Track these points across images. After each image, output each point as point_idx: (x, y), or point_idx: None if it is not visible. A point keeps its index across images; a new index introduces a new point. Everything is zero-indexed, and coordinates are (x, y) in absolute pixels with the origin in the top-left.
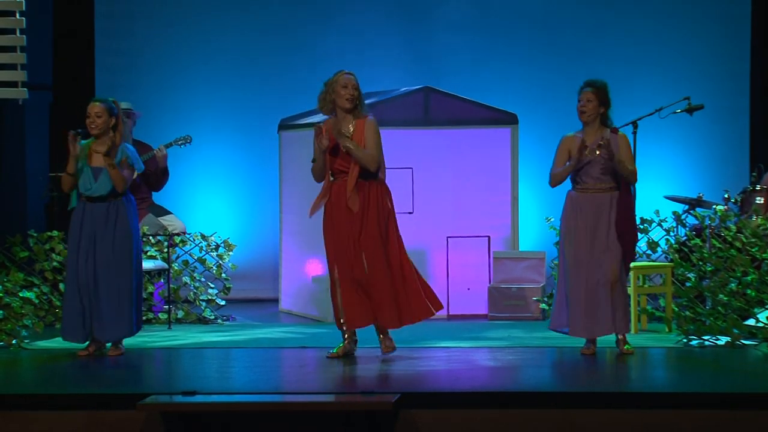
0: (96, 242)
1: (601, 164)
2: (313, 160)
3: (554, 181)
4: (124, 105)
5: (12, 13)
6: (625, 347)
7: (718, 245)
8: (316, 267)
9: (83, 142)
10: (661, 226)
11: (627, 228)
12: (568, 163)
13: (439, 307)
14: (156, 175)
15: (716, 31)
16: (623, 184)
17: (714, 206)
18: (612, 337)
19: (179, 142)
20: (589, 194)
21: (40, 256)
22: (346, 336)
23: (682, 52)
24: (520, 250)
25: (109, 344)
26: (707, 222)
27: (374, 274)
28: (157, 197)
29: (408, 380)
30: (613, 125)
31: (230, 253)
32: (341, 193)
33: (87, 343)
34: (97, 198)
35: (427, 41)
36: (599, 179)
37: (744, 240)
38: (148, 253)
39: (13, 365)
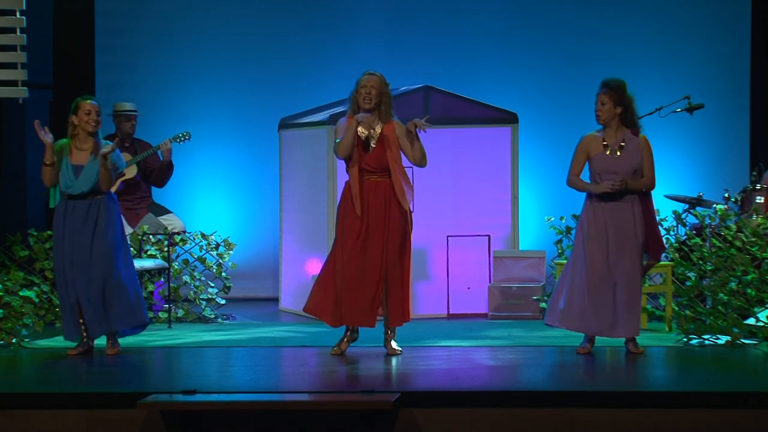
0: (76, 239)
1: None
2: (336, 141)
3: (571, 186)
4: (129, 106)
5: (12, 12)
6: (635, 347)
7: (718, 244)
8: (317, 266)
9: (62, 141)
10: (662, 226)
11: (653, 233)
12: (594, 183)
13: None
14: (161, 170)
15: (716, 30)
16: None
17: (714, 205)
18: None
19: (179, 139)
20: (609, 197)
21: (40, 255)
22: (348, 330)
23: (682, 51)
24: (520, 249)
25: (104, 341)
26: (707, 221)
27: (393, 272)
28: (157, 196)
29: (408, 379)
30: (639, 123)
31: (230, 252)
32: (371, 191)
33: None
34: (78, 195)
35: (428, 42)
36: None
37: (744, 239)
38: (148, 252)
39: (13, 364)
